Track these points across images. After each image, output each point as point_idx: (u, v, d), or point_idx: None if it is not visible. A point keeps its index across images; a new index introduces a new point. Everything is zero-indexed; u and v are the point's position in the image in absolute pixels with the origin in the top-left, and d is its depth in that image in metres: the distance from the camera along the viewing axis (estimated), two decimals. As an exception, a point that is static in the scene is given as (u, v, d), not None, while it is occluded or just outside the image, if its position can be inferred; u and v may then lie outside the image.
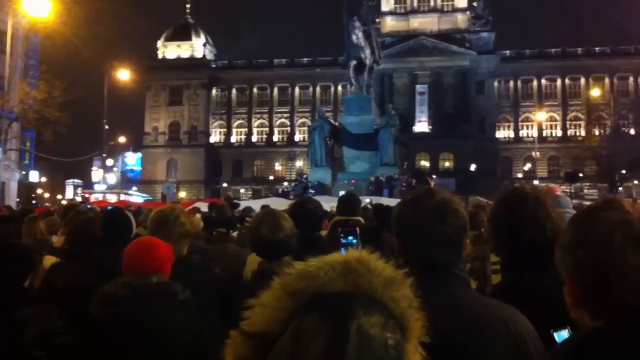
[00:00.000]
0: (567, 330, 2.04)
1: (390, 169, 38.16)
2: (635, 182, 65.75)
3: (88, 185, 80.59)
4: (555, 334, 2.08)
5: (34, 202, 61.00)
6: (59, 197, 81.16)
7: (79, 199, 56.63)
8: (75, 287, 4.13)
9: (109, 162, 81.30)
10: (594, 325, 1.59)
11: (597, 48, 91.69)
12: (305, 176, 45.10)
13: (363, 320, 1.19)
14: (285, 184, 59.09)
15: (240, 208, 16.92)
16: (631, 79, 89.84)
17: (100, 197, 50.49)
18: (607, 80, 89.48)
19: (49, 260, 5.81)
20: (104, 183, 78.66)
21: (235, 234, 8.30)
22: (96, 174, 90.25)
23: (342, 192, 18.24)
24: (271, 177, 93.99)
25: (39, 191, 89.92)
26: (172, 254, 3.40)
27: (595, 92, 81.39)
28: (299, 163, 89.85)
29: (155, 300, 2.97)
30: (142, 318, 2.90)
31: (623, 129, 72.79)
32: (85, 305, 2.98)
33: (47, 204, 48.50)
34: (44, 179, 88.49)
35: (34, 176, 59.03)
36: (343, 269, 1.25)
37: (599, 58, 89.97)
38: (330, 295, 1.22)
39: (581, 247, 1.60)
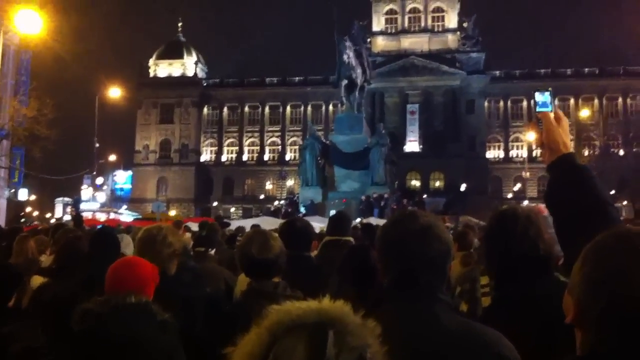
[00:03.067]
0: None
1: (381, 188, 38.17)
2: (625, 202, 66.04)
3: (78, 202, 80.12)
4: None
5: (22, 220, 60.59)
6: (49, 215, 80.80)
7: (68, 217, 56.31)
8: (61, 304, 4.10)
9: (99, 180, 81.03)
10: (582, 355, 1.57)
11: (586, 69, 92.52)
12: (296, 195, 45.08)
13: (339, 337, 1.24)
14: (276, 202, 58.99)
15: (232, 227, 16.94)
16: (620, 99, 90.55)
17: (89, 215, 50.21)
18: (596, 101, 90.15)
19: (37, 280, 5.79)
20: (94, 201, 78.35)
21: (213, 252, 8.27)
22: (86, 192, 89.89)
23: (333, 212, 18.23)
24: (262, 196, 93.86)
25: (28, 209, 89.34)
26: (157, 274, 3.38)
27: (585, 113, 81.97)
28: (289, 182, 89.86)
29: (130, 319, 2.98)
30: (116, 335, 2.90)
31: (612, 149, 73.25)
32: (69, 323, 2.98)
33: (35, 222, 48.16)
34: (33, 197, 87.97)
35: (23, 194, 58.65)
36: (318, 306, 1.31)
37: (588, 79, 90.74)
38: (305, 325, 1.27)
39: (598, 275, 1.52)
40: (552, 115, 2.59)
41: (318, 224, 14.70)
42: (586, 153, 75.63)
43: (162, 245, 4.13)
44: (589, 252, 1.59)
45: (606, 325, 1.50)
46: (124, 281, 3.20)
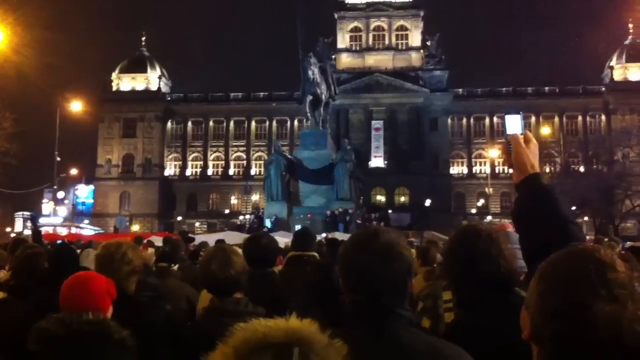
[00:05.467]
0: None
1: (345, 203, 38.31)
2: (586, 218, 67.11)
3: (38, 217, 78.63)
4: None
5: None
6: (9, 229, 79.18)
7: (28, 232, 55.33)
8: (18, 324, 4.00)
9: (60, 194, 79.72)
10: None
11: (546, 88, 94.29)
12: (261, 210, 44.95)
13: (303, 356, 1.25)
14: (242, 217, 58.75)
15: (196, 242, 16.79)
16: (580, 118, 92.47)
17: (50, 230, 49.31)
18: (556, 119, 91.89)
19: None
20: (55, 216, 76.96)
21: (176, 267, 8.19)
22: (47, 206, 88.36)
23: (298, 227, 18.18)
24: (227, 211, 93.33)
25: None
26: (113, 288, 3.31)
27: (545, 131, 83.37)
28: (255, 197, 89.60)
29: (86, 338, 2.92)
30: (72, 355, 2.84)
31: (572, 166, 74.49)
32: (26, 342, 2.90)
33: (-6, 237, 47.17)
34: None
35: (-19, 208, 57.53)
36: (285, 325, 1.31)
37: (548, 97, 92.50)
38: (272, 344, 1.27)
39: (552, 297, 1.52)
40: (521, 137, 2.66)
41: (283, 239, 14.68)
42: (547, 170, 76.77)
43: (121, 262, 4.04)
44: (543, 271, 1.58)
45: (558, 344, 1.49)
46: (79, 298, 3.12)
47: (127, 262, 4.06)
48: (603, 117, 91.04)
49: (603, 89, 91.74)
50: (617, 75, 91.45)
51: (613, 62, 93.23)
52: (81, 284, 3.24)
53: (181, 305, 5.74)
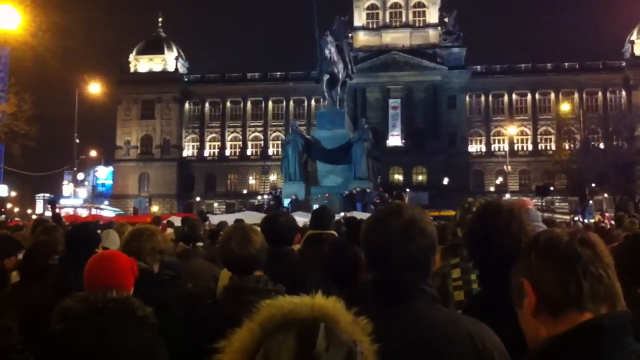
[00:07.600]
0: None
1: (363, 182, 38.21)
2: (605, 195, 66.60)
3: (58, 199, 79.43)
4: None
5: (3, 216, 59.96)
6: (30, 211, 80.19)
7: (48, 213, 55.92)
8: (36, 303, 4.05)
9: (80, 176, 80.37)
10: (552, 336, 1.63)
11: (566, 64, 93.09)
12: (278, 190, 45.02)
13: (329, 331, 1.26)
14: (260, 197, 58.88)
15: (214, 222, 16.86)
16: (600, 94, 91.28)
17: (71, 211, 49.80)
18: (576, 96, 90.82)
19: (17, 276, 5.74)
20: (75, 197, 77.71)
21: (200, 245, 8.22)
22: (67, 188, 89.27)
23: (316, 206, 18.21)
24: (245, 191, 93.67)
25: (9, 206, 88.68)
26: (135, 267, 3.35)
27: (565, 107, 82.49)
28: (272, 177, 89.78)
29: (110, 316, 2.95)
30: (96, 333, 2.87)
31: (592, 143, 73.69)
32: (45, 321, 2.94)
33: (16, 219, 47.72)
34: (13, 194, 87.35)
35: (3, 191, 58.08)
36: (311, 302, 1.33)
37: (567, 73, 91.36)
38: (297, 320, 1.29)
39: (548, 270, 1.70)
40: None
41: (302, 219, 14.70)
42: (567, 147, 76.15)
43: (147, 242, 4.10)
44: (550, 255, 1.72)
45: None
46: (103, 276, 3.16)
47: (153, 242, 4.12)
48: (623, 93, 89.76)
49: (623, 64, 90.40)
50: (638, 50, 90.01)
51: (634, 37, 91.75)
52: (105, 263, 3.28)
53: (208, 284, 5.77)
